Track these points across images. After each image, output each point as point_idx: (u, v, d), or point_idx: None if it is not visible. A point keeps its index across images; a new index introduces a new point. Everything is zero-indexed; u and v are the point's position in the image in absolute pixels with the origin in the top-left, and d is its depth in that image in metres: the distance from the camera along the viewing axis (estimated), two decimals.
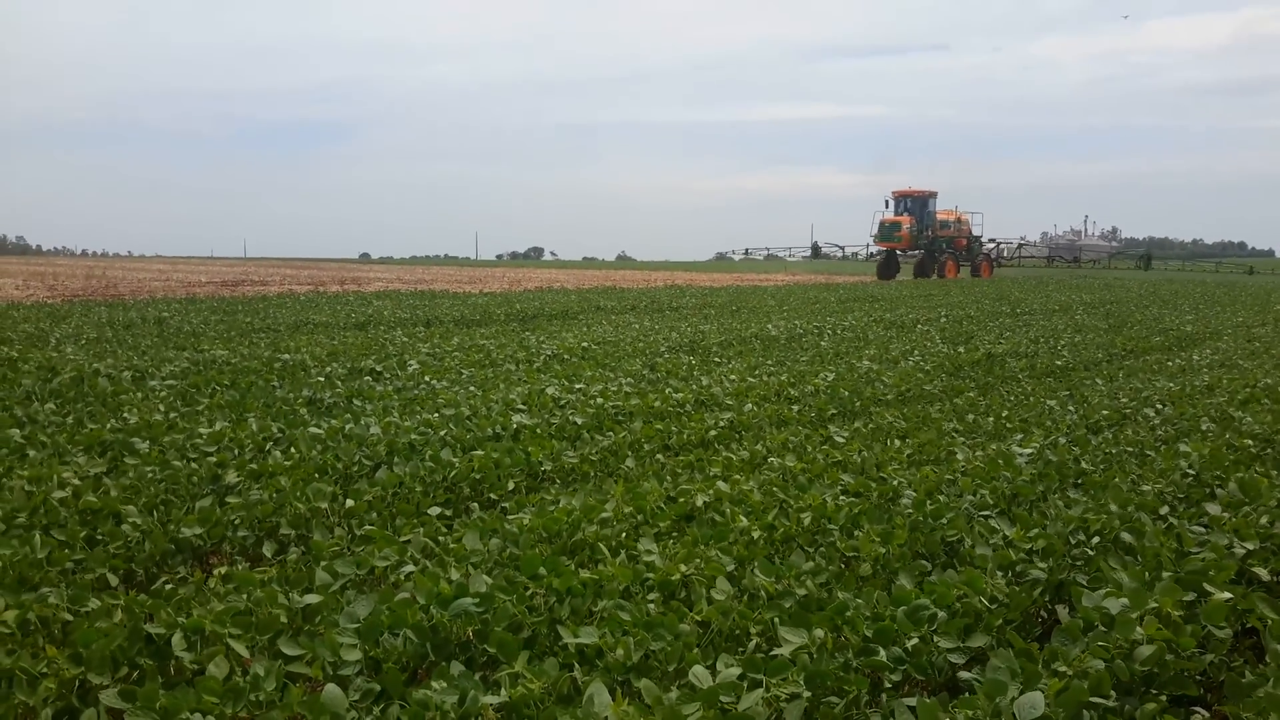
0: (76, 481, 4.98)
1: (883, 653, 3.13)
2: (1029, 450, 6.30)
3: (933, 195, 49.05)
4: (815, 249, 60.46)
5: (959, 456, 6.22)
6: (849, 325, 16.51)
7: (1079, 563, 4.17)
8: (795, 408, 8.03)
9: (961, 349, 12.53)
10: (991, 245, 54.62)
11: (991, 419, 7.66)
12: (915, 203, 48.98)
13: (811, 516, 4.64)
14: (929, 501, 4.93)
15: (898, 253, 50.05)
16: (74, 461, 5.52)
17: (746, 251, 63.71)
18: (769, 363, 11.02)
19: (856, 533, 4.46)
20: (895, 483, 5.41)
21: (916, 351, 12.30)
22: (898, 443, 6.69)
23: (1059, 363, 11.58)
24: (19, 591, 3.67)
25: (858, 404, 8.40)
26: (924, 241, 48.36)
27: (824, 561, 4.08)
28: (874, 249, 51.99)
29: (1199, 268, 67.01)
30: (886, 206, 49.36)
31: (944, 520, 4.59)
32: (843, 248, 61.04)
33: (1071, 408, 8.24)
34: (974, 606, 3.53)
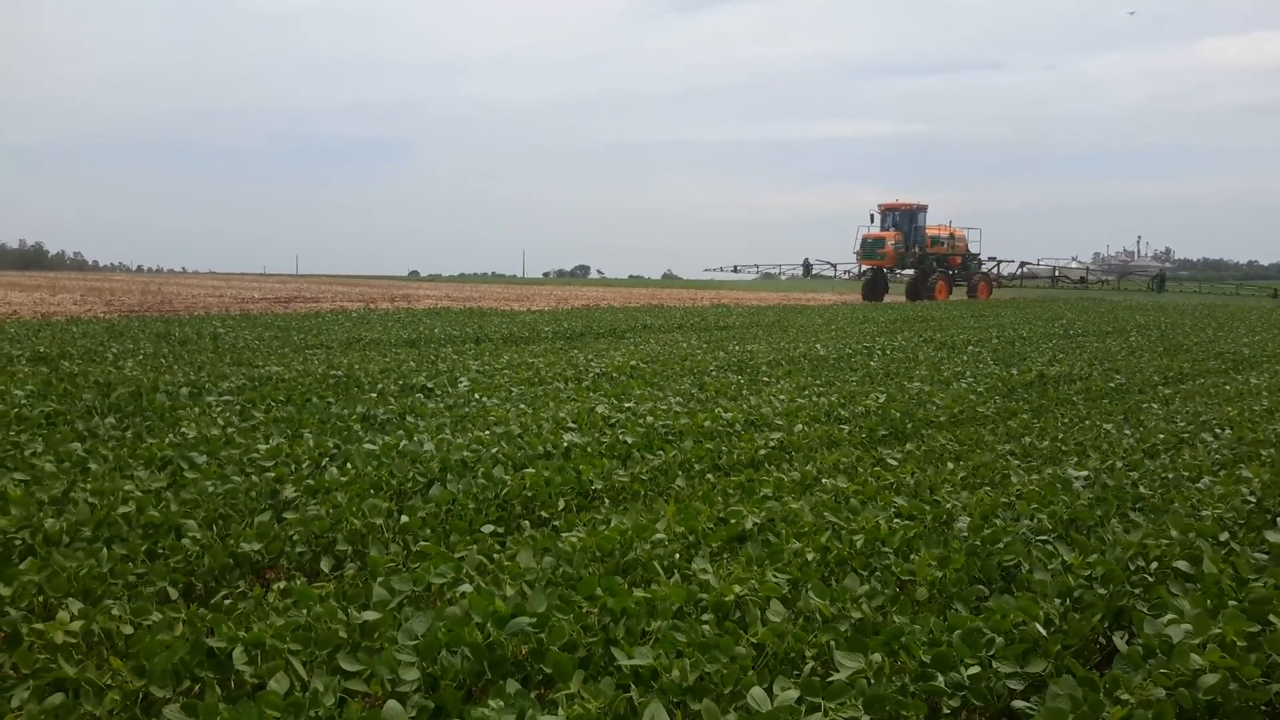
0: (138, 495, 5.07)
1: (940, 678, 3.10)
2: (1085, 474, 6.22)
3: (923, 209, 45.76)
4: (807, 267, 55.82)
5: (1014, 480, 6.16)
6: (898, 345, 16.39)
7: (1138, 589, 4.11)
8: (846, 429, 7.99)
9: (1014, 371, 12.39)
10: (991, 264, 50.51)
11: (1046, 442, 7.57)
12: (903, 217, 45.48)
13: (865, 539, 4.61)
14: (985, 525, 4.89)
15: (886, 271, 46.70)
16: (135, 475, 5.63)
17: (735, 269, 58.17)
18: (818, 383, 10.97)
19: (912, 556, 4.43)
20: (949, 506, 5.37)
21: (968, 373, 12.19)
22: (951, 465, 6.63)
23: (1113, 385, 11.42)
24: (84, 603, 3.75)
25: (909, 426, 8.34)
26: (911, 259, 45.04)
27: (879, 585, 4.05)
28: (861, 267, 48.52)
29: (1216, 289, 60.57)
30: (872, 221, 45.96)
31: (1000, 544, 4.55)
32: (834, 265, 55.61)
33: (1128, 431, 8.13)
34: (1032, 632, 3.49)
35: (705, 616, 3.64)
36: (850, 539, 4.62)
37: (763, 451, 7.01)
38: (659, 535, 4.61)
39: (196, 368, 11.00)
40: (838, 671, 3.13)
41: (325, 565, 4.43)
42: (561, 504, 5.55)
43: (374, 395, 9.05)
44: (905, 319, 24.87)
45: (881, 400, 9.38)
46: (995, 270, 50.63)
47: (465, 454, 6.30)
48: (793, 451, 7.19)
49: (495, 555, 4.40)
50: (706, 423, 7.81)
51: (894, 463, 6.68)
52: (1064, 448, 7.39)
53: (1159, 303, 41.87)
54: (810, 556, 4.36)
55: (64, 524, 4.58)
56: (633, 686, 3.04)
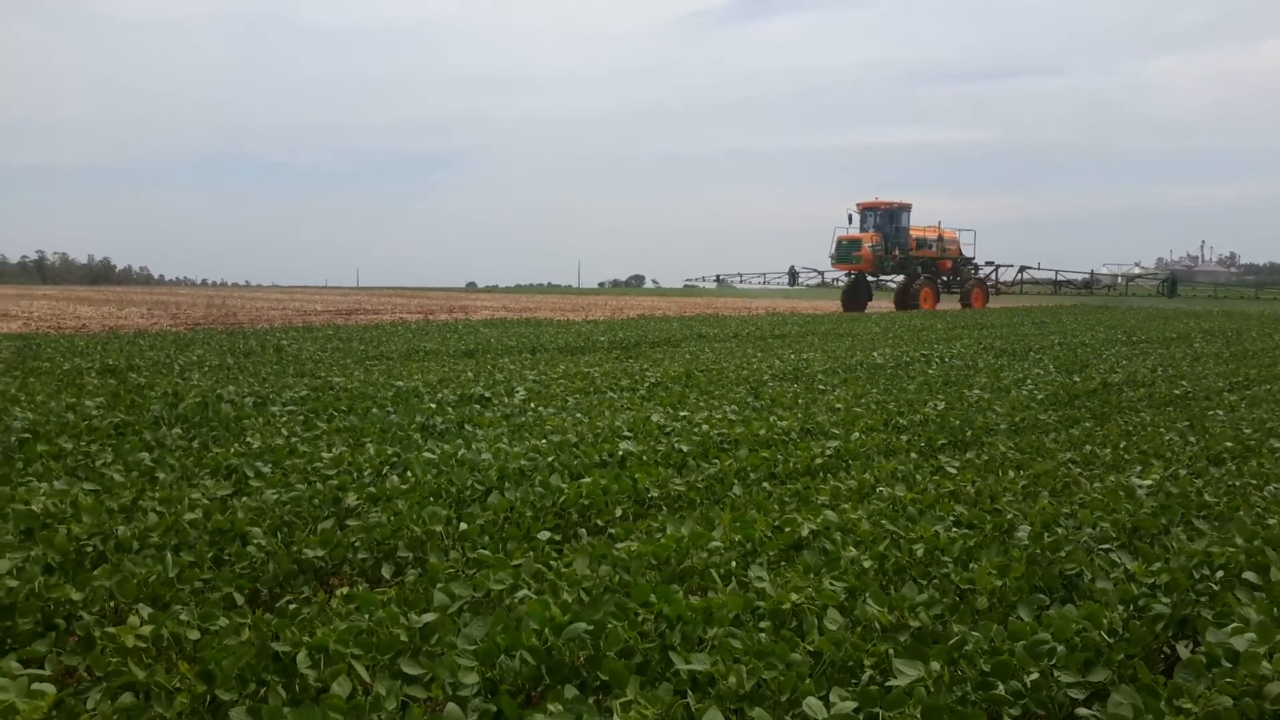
0: (205, 503, 5.20)
1: (1001, 687, 3.07)
2: (1149, 482, 6.12)
3: (905, 208, 41.78)
4: (793, 275, 51.61)
5: (1076, 488, 6.08)
6: (957, 353, 16.22)
7: (1202, 598, 4.03)
8: (904, 437, 7.93)
9: (1076, 378, 12.21)
10: (989, 269, 46.33)
11: (1109, 450, 7.45)
12: (884, 217, 41.44)
13: (924, 548, 4.58)
14: (1046, 534, 4.83)
15: (870, 277, 42.74)
16: (202, 484, 5.76)
17: (718, 279, 53.78)
18: (875, 391, 10.90)
19: (972, 565, 4.39)
20: (1010, 515, 5.31)
21: (1029, 380, 12.03)
22: (1012, 474, 6.56)
23: (1178, 392, 11.20)
24: (153, 608, 3.85)
25: (969, 433, 8.25)
26: (890, 264, 41.13)
27: (938, 594, 4.02)
28: (842, 273, 44.28)
29: (1233, 293, 56.13)
30: (850, 221, 41.70)
31: (1062, 553, 4.49)
32: (822, 273, 50.81)
33: (1192, 439, 7.97)
34: (1094, 640, 3.44)
35: (762, 624, 3.65)
36: (909, 547, 4.59)
37: (819, 460, 6.98)
38: (715, 543, 4.62)
39: (261, 379, 11.22)
40: (896, 680, 3.11)
41: (386, 571, 4.51)
42: (618, 512, 5.58)
43: (433, 405, 9.16)
44: (964, 326, 24.59)
45: (940, 408, 9.30)
46: (994, 275, 46.91)
47: (522, 462, 6.36)
48: (850, 460, 7.16)
49: (552, 562, 4.44)
50: (762, 431, 7.79)
51: (953, 471, 6.61)
52: (1127, 456, 7.27)
53: (1175, 308, 39.61)
54: (868, 565, 4.35)
55: (133, 531, 4.70)
56: (689, 693, 3.06)
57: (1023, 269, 48.14)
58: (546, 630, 3.33)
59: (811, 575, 4.17)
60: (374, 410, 8.72)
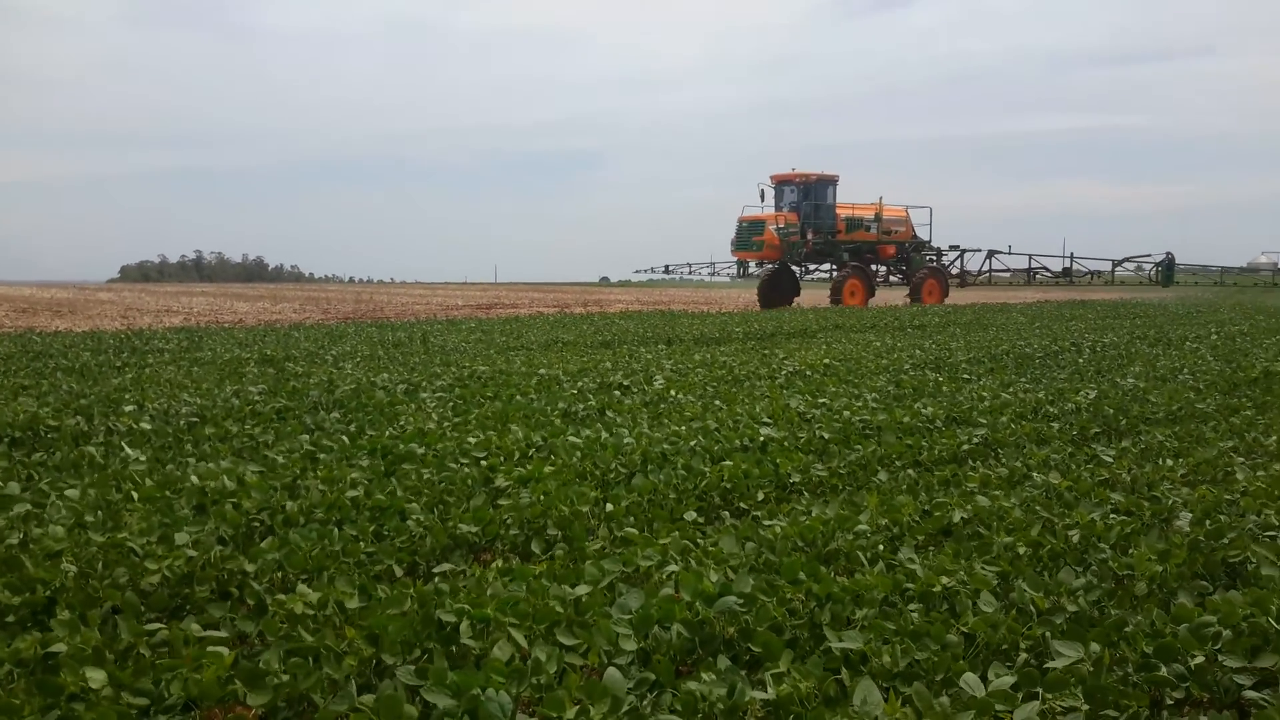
0: (364, 482, 5.42)
1: (1164, 669, 2.98)
2: None
3: (830, 181, 33.89)
4: (741, 266, 41.01)
5: (1239, 476, 5.81)
6: (1109, 342, 15.65)
7: None
8: (1055, 425, 7.70)
9: (1236, 366, 11.64)
10: (952, 254, 37.95)
11: (1273, 438, 7.08)
12: (802, 192, 33.57)
13: (1080, 534, 4.46)
14: (1208, 521, 4.65)
15: (801, 267, 35.28)
16: (359, 464, 6.00)
17: (666, 269, 44.42)
18: (1023, 380, 10.61)
19: (1130, 551, 4.25)
20: (1169, 502, 5.12)
21: (1186, 369, 11.52)
22: (1170, 462, 6.30)
23: None
24: (319, 579, 4.04)
25: (1124, 422, 7.95)
26: (799, 251, 33.07)
27: (1095, 579, 3.91)
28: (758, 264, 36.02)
29: (1244, 280, 45.09)
30: (763, 198, 33.58)
31: (1225, 540, 4.31)
32: (714, 265, 42.69)
33: None
34: (1261, 626, 3.29)
35: (912, 606, 3.61)
36: (1064, 533, 4.48)
37: (966, 447, 6.84)
38: (862, 526, 4.59)
39: (410, 368, 11.59)
40: (1054, 661, 3.05)
41: (537, 547, 4.61)
42: (760, 495, 5.58)
43: (574, 392, 9.30)
44: (1117, 315, 23.68)
45: (1093, 396, 9.00)
46: (958, 264, 38.26)
47: (664, 447, 6.42)
48: (999, 448, 6.99)
49: (698, 542, 4.48)
50: (905, 418, 7.68)
51: (1109, 459, 6.40)
52: None
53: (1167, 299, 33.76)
54: (1021, 550, 4.25)
55: (299, 507, 4.93)
56: (842, 669, 3.05)
57: (991, 253, 38.71)
58: (698, 603, 3.37)
59: (962, 560, 4.11)
60: (518, 397, 8.91)
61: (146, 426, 7.24)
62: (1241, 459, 6.45)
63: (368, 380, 9.92)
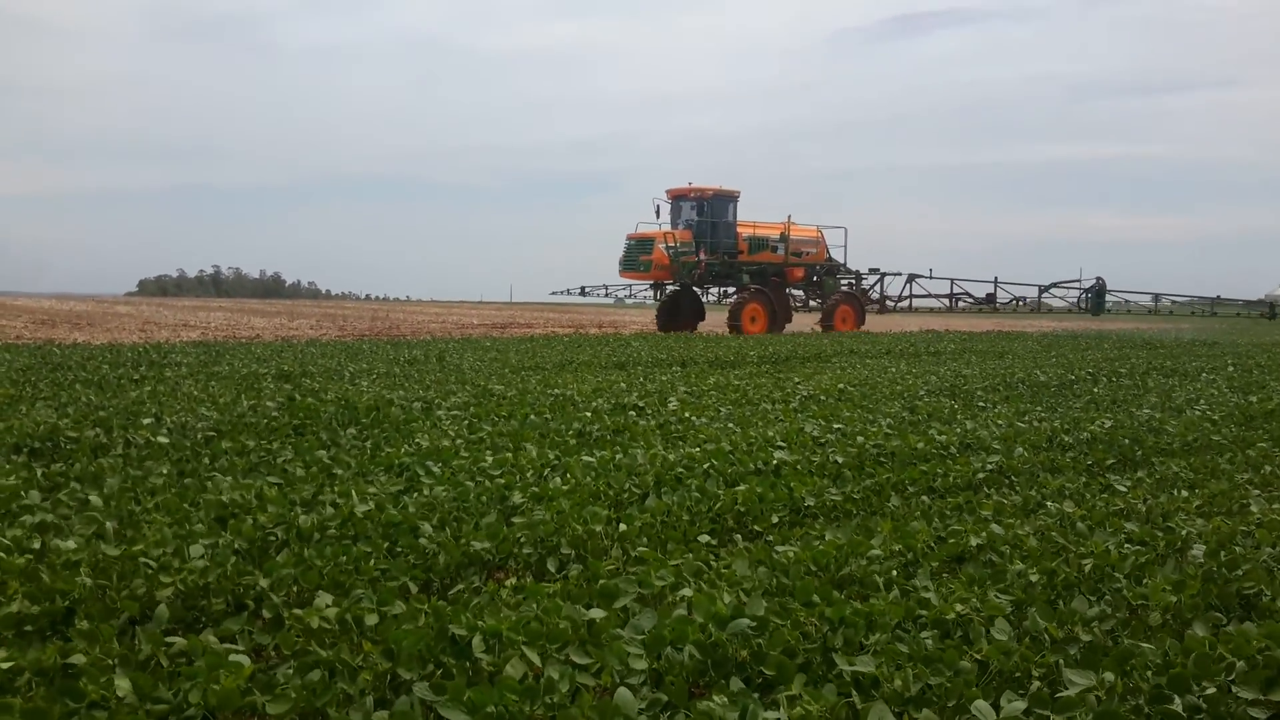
0: (379, 498, 5.45)
1: (1177, 700, 2.97)
2: None
3: (732, 197, 31.29)
4: (657, 288, 36.93)
5: (1253, 509, 5.80)
6: (1125, 372, 15.61)
7: None
8: (1070, 454, 7.69)
9: (1253, 398, 11.59)
10: (872, 278, 35.38)
11: None
12: (699, 209, 30.84)
13: (1094, 563, 4.45)
14: (1222, 552, 4.64)
15: (698, 289, 32.61)
16: (376, 480, 6.03)
17: (583, 290, 41.38)
18: (1038, 408, 10.59)
19: (1144, 581, 4.25)
20: (1184, 532, 5.11)
21: (1202, 400, 11.49)
22: (1185, 493, 6.29)
23: None
24: (334, 593, 4.06)
25: (1139, 452, 7.93)
26: (692, 272, 30.32)
27: (1109, 609, 3.91)
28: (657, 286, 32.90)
29: (1203, 309, 40.89)
30: (658, 214, 30.65)
31: (1239, 571, 4.31)
32: (607, 287, 41.45)
33: None
34: (1276, 659, 3.28)
35: (925, 632, 3.61)
36: (1078, 562, 4.47)
37: (980, 475, 6.83)
38: (875, 552, 4.59)
39: (425, 385, 11.64)
40: (1066, 690, 3.04)
41: (551, 566, 4.63)
42: (774, 519, 5.59)
43: (588, 413, 9.33)
44: (1132, 345, 23.60)
45: (1108, 426, 8.98)
46: (877, 288, 35.61)
47: (678, 469, 6.44)
48: (1013, 476, 6.98)
49: (711, 564, 4.49)
50: (919, 445, 7.68)
51: (1123, 489, 6.39)
52: None
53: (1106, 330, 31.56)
54: (1035, 579, 4.25)
55: (314, 522, 4.96)
56: (854, 693, 3.06)
57: (912, 278, 35.83)
58: (710, 625, 3.38)
59: (976, 587, 4.11)
60: (532, 416, 8.94)
61: (164, 440, 7.29)
62: (1257, 491, 6.43)
63: (384, 397, 9.97)
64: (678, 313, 32.29)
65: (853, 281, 34.50)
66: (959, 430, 8.52)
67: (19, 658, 3.19)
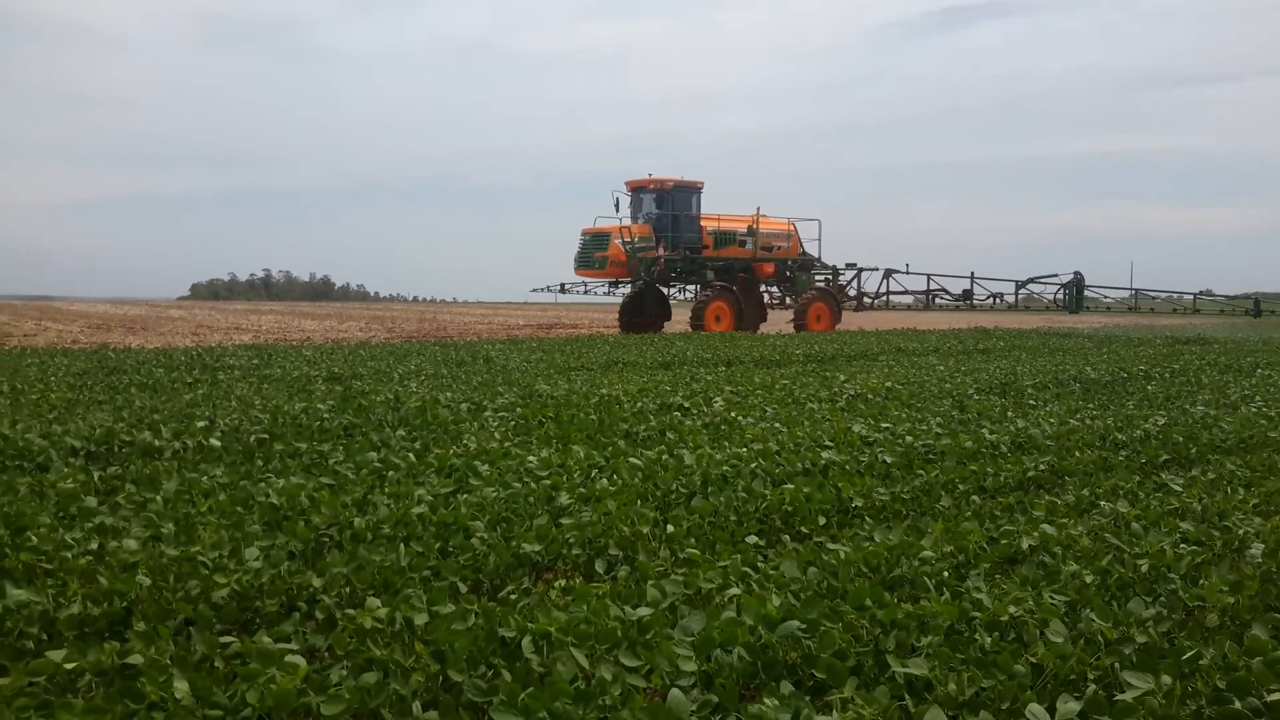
0: (430, 499, 5.49)
1: (1238, 703, 2.92)
2: None
3: (695, 188, 29.69)
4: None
5: None
6: (1178, 369, 15.34)
7: None
8: (1123, 453, 7.58)
9: None
10: (849, 274, 33.16)
11: None
12: (660, 201, 29.29)
13: (1149, 563, 4.38)
14: None
15: (664, 287, 30.94)
16: (426, 481, 6.08)
17: (562, 287, 35.47)
18: (1090, 406, 10.44)
19: (1201, 582, 4.17)
20: (1241, 532, 5.02)
21: (1258, 396, 11.27)
22: (1241, 492, 6.17)
23: None
24: (385, 594, 4.10)
25: (1193, 450, 7.80)
26: (650, 268, 28.71)
27: (1165, 610, 3.85)
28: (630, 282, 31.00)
29: (1182, 304, 35.80)
30: (618, 209, 29.10)
31: None
32: (568, 283, 35.93)
33: None
34: None
35: (979, 635, 3.58)
36: (1133, 563, 4.40)
37: (1031, 474, 6.75)
38: (926, 553, 4.55)
39: (473, 386, 11.72)
40: (1124, 693, 3.00)
41: (599, 567, 4.64)
42: (822, 520, 5.56)
43: (634, 413, 9.34)
44: (1185, 341, 23.19)
45: (1162, 424, 8.83)
46: (854, 285, 33.28)
47: (725, 469, 6.42)
48: (1065, 475, 6.89)
49: (759, 565, 4.48)
50: (969, 444, 7.60)
51: (1178, 488, 6.28)
52: None
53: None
54: (1090, 579, 4.19)
55: (367, 523, 5.01)
56: (907, 697, 3.04)
57: (889, 274, 33.32)
58: (760, 627, 3.37)
59: (1030, 588, 4.06)
60: (579, 416, 8.97)
61: (217, 442, 7.40)
62: None
63: (432, 398, 10.05)
64: (642, 311, 30.96)
65: (829, 277, 32.83)
66: (1010, 429, 8.42)
67: (79, 658, 3.24)
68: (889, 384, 12.30)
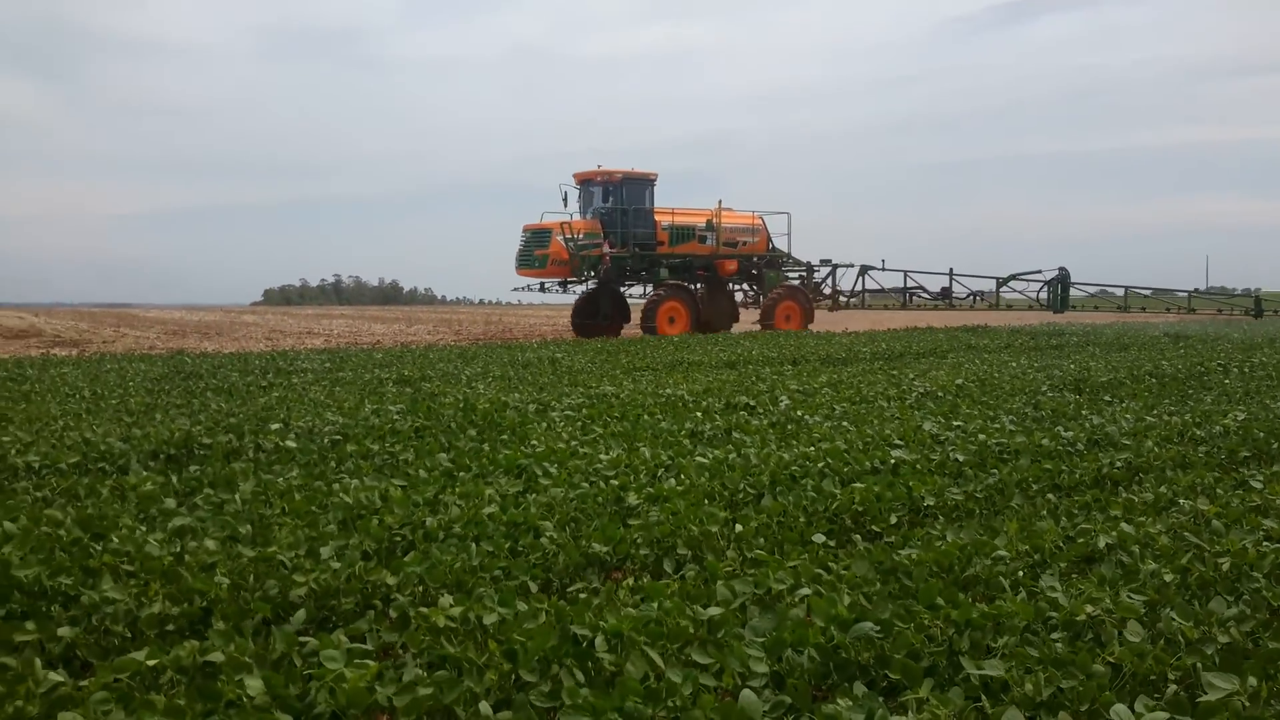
0: (499, 499, 5.55)
1: None
2: None
3: (647, 181, 27.40)
4: (563, 288, 30.93)
5: None
6: (1259, 362, 14.93)
7: None
8: (1202, 449, 7.39)
9: None
10: (824, 271, 30.88)
11: None
12: (611, 193, 26.95)
13: (1231, 562, 4.27)
14: None
15: (627, 285, 28.86)
16: (495, 481, 6.14)
17: (542, 286, 30.51)
18: (1167, 401, 10.21)
19: None
20: None
21: None
22: None
23: None
24: (458, 593, 4.15)
25: (1275, 446, 7.58)
26: (595, 267, 26.54)
27: (1248, 609, 3.75)
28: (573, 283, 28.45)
29: (1173, 302, 32.60)
30: (565, 203, 26.58)
31: None
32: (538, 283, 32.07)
33: None
34: None
35: (1055, 635, 3.52)
36: (1214, 561, 4.30)
37: (1107, 471, 6.62)
38: (1000, 552, 4.49)
39: (539, 388, 11.80)
40: (1206, 694, 2.93)
41: (668, 566, 4.66)
42: (893, 519, 5.51)
43: (700, 413, 9.33)
44: (1265, 334, 22.55)
45: (1242, 419, 8.60)
46: (828, 283, 31.07)
47: (793, 468, 6.39)
48: (1142, 473, 6.75)
49: (830, 565, 4.45)
50: (1044, 441, 7.47)
51: (1259, 485, 6.11)
52: None
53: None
54: (1169, 578, 4.10)
55: (439, 523, 5.08)
56: (983, 698, 3.00)
57: (864, 270, 30.97)
58: (832, 628, 3.35)
59: (1107, 587, 3.99)
60: (645, 417, 8.99)
61: (292, 444, 7.54)
62: None
63: (500, 399, 10.14)
64: (597, 314, 28.89)
65: (803, 275, 30.68)
66: (1085, 426, 8.26)
67: (161, 656, 3.33)
68: (959, 381, 12.14)
